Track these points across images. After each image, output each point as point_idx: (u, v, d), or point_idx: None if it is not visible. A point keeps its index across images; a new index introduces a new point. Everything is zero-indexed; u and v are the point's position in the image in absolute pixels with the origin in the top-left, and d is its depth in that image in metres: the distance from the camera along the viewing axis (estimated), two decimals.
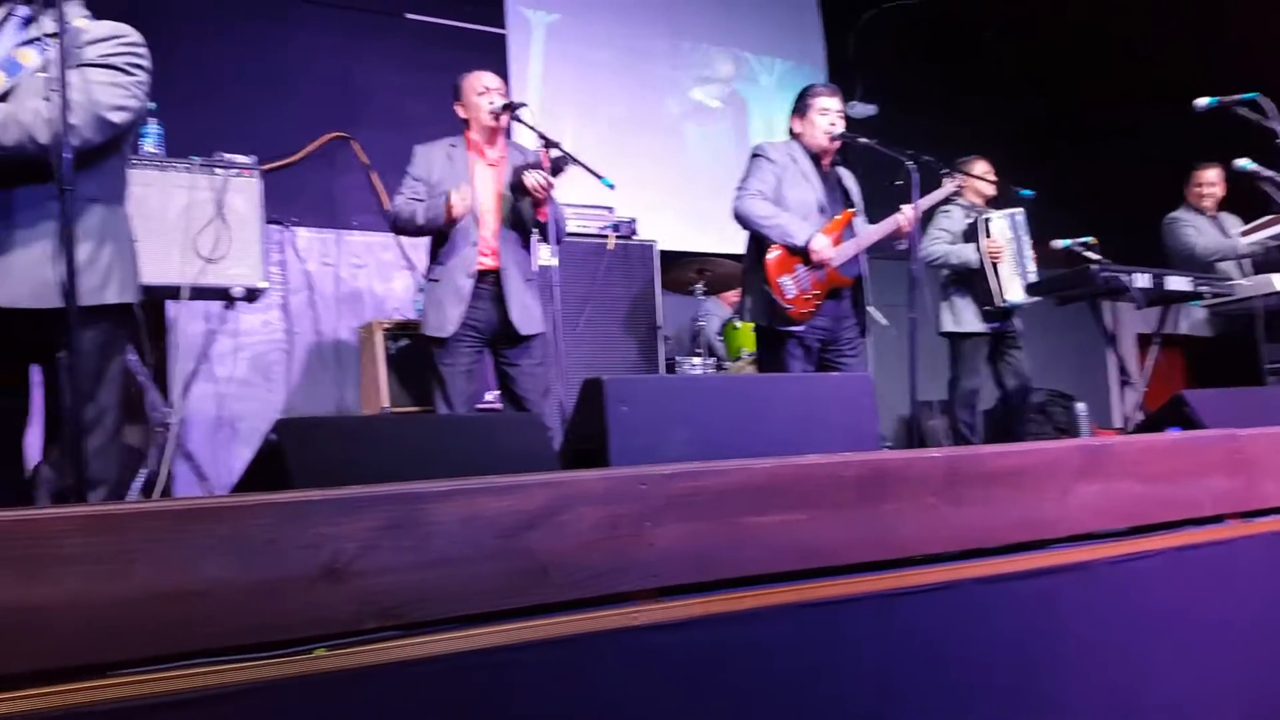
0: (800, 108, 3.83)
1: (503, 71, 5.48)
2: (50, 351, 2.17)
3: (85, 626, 1.07)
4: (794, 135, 3.85)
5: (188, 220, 3.61)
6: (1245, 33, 6.65)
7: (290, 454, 1.39)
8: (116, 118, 2.27)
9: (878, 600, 1.67)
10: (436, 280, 3.48)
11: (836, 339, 3.77)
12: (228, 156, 3.80)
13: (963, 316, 4.64)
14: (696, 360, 5.21)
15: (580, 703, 1.38)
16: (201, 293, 3.69)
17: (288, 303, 4.86)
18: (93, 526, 1.08)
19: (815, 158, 3.80)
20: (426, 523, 1.28)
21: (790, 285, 3.61)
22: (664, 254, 5.19)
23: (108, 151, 2.32)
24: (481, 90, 3.55)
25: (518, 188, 3.48)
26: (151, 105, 3.74)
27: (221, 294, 3.73)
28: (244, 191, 3.77)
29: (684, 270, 5.28)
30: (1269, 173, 4.13)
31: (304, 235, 4.96)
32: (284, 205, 4.78)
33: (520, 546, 1.37)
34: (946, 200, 4.51)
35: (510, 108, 3.52)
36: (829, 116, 3.76)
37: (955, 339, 4.69)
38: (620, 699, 1.42)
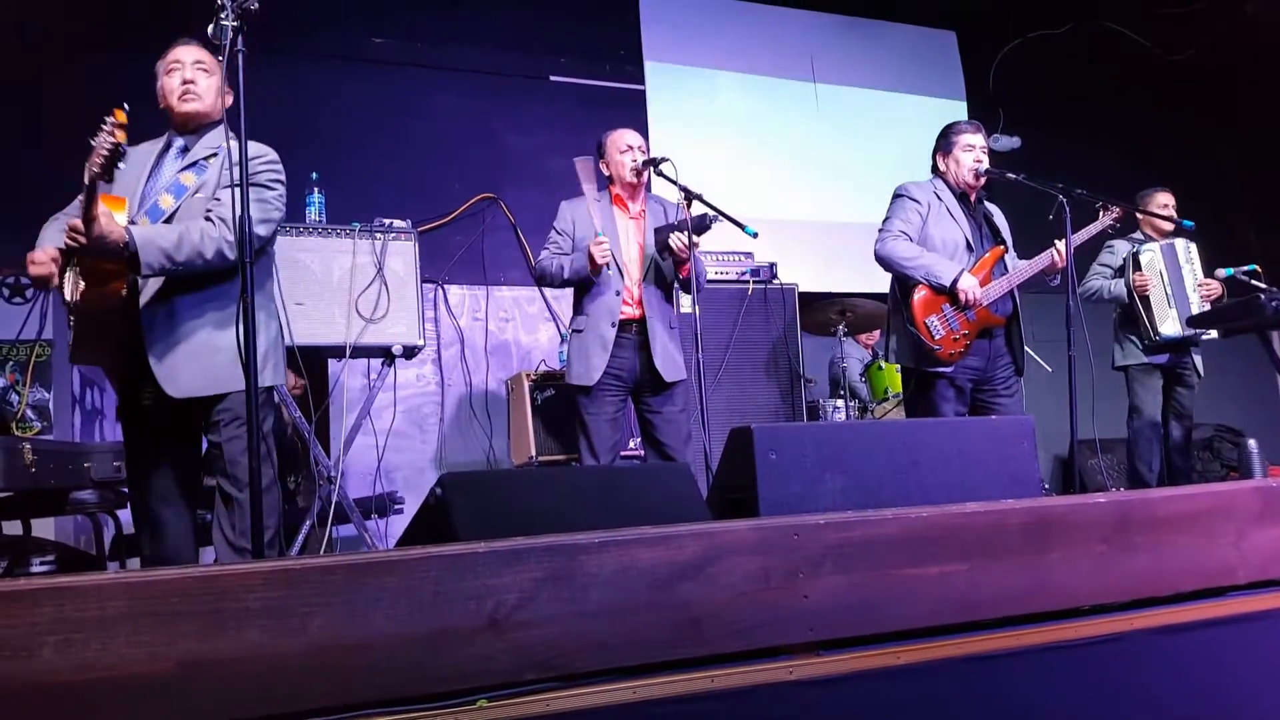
0: (944, 145, 3.73)
1: (643, 126, 5.62)
2: (209, 423, 2.56)
3: (267, 677, 1.13)
4: (938, 173, 3.76)
5: (350, 283, 3.83)
6: None
7: (454, 507, 1.44)
8: (263, 230, 2.58)
9: (1043, 653, 1.60)
10: (581, 330, 3.56)
11: (990, 378, 3.62)
12: (386, 221, 4.01)
13: (1129, 350, 4.63)
14: (839, 403, 5.11)
15: None
16: (363, 351, 3.89)
17: (440, 357, 5.08)
18: (273, 581, 1.14)
19: (961, 195, 3.70)
20: (583, 574, 1.30)
21: (938, 326, 3.50)
22: (803, 295, 5.15)
23: (258, 255, 2.60)
24: (624, 148, 3.65)
25: (663, 248, 3.54)
26: (314, 175, 4.02)
27: (382, 352, 3.91)
28: (401, 254, 3.97)
29: (825, 311, 5.21)
30: None
31: (455, 292, 5.19)
32: (436, 264, 5.01)
33: (674, 598, 1.37)
34: (1114, 235, 4.34)
35: (653, 163, 3.59)
36: (974, 153, 3.65)
37: (1126, 371, 4.66)
38: None
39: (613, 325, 3.50)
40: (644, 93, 5.84)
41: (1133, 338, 4.58)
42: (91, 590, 1.09)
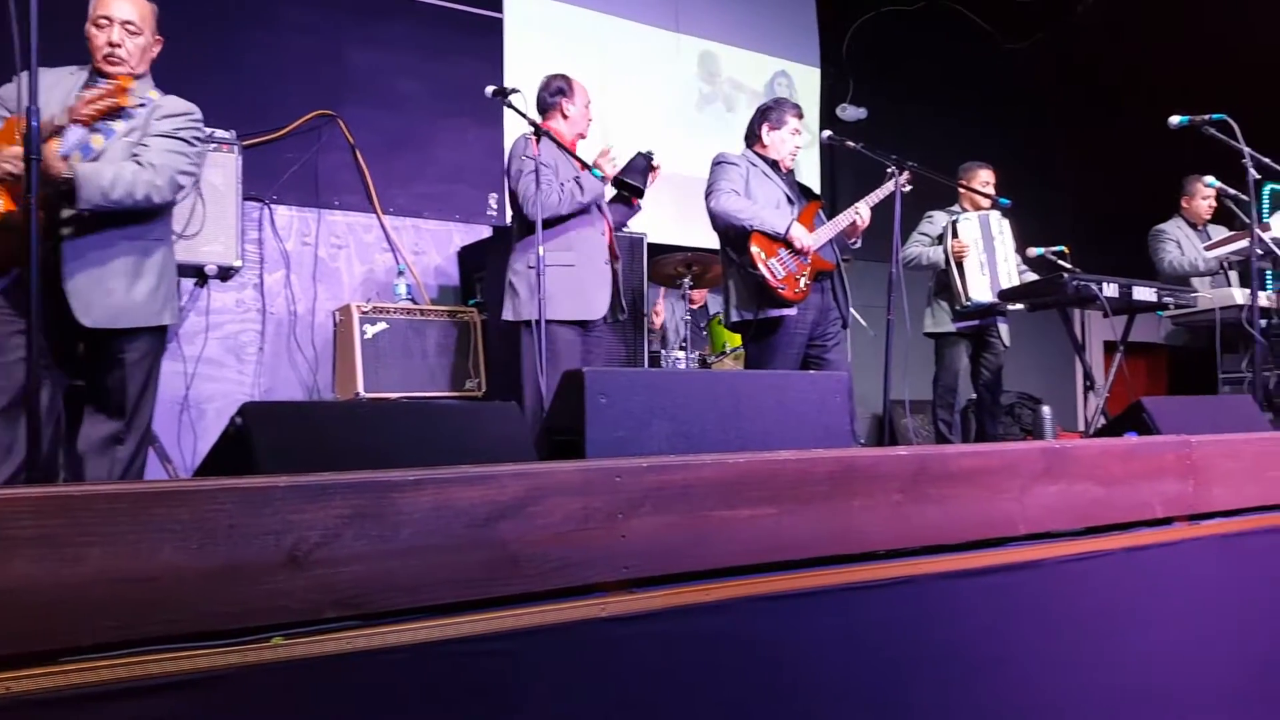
0: (776, 119, 3.98)
1: (498, 56, 5.46)
2: (110, 355, 2.70)
3: (34, 611, 1.04)
4: (756, 143, 3.98)
5: None
6: (1229, 55, 6.78)
7: (256, 439, 1.36)
8: (185, 181, 2.77)
9: (840, 594, 1.69)
10: (571, 265, 3.55)
11: (823, 333, 3.90)
12: (206, 130, 3.72)
13: (941, 317, 4.85)
14: (680, 354, 5.20)
15: (547, 693, 1.37)
16: None
17: (263, 282, 4.79)
18: (46, 509, 1.05)
19: (772, 163, 3.97)
20: (395, 512, 1.26)
21: (778, 267, 3.75)
22: (651, 246, 5.16)
23: (169, 204, 2.79)
24: (587, 103, 3.83)
25: (640, 172, 3.74)
26: None
27: (194, 271, 3.67)
28: (222, 167, 3.71)
29: (671, 264, 5.25)
30: (1233, 191, 4.28)
31: (283, 213, 4.88)
32: (264, 182, 4.72)
33: (491, 537, 1.35)
34: (934, 207, 4.55)
35: (503, 93, 3.49)
36: (799, 137, 3.99)
37: (935, 338, 4.89)
38: (587, 689, 1.40)
39: (606, 262, 3.65)
40: (501, 21, 5.65)
41: (945, 305, 4.80)
42: None
